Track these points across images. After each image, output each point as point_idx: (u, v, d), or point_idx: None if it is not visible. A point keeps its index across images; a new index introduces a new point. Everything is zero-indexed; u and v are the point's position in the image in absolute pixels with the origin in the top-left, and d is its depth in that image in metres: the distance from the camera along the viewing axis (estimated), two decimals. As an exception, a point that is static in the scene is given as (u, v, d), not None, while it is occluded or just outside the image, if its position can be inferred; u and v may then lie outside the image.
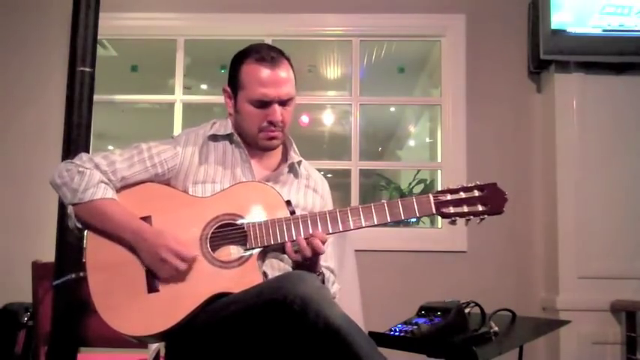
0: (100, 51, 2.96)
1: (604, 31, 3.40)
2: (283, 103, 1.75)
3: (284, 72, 1.74)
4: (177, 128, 3.81)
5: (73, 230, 1.71)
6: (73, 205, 1.67)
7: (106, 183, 1.68)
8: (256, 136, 1.77)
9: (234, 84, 1.78)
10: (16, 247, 3.48)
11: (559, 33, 3.40)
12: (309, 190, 1.87)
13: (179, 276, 1.60)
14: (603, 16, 3.41)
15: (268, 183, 1.75)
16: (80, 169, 1.68)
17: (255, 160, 1.82)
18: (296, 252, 1.62)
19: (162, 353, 1.98)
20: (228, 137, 1.82)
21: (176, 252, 1.58)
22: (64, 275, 2.36)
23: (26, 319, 3.04)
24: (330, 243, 1.86)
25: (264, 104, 1.73)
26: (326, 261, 1.84)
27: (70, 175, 1.67)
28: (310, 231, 1.63)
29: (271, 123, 1.74)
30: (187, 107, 3.92)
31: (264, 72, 1.72)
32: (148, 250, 1.60)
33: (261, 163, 1.83)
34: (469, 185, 1.67)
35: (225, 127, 1.82)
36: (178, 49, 3.89)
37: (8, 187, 3.65)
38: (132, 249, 1.63)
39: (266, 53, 1.74)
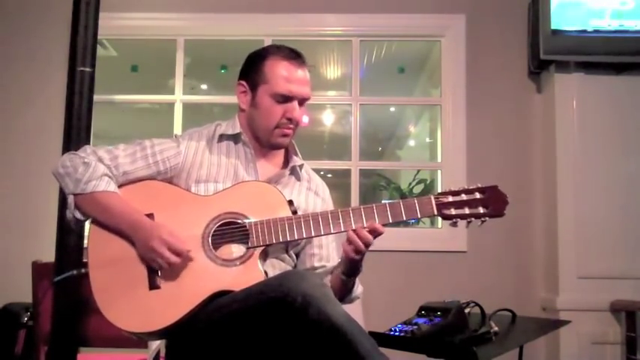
0: (100, 51, 2.95)
1: (604, 31, 3.41)
2: (301, 103, 1.78)
3: (307, 73, 1.80)
4: (178, 128, 3.81)
5: (70, 220, 1.72)
6: (75, 195, 1.67)
7: (109, 177, 1.69)
8: (271, 132, 1.78)
9: (253, 78, 1.78)
10: (16, 247, 3.48)
11: (559, 33, 3.40)
12: (310, 192, 1.88)
13: (180, 273, 1.61)
14: (603, 16, 3.41)
15: (270, 183, 1.76)
16: (85, 160, 1.69)
17: (260, 160, 1.83)
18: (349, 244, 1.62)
19: (163, 353, 1.99)
20: (233, 137, 1.82)
21: (169, 244, 1.58)
22: (65, 272, 2.36)
23: (26, 319, 3.04)
24: (335, 247, 1.87)
25: (286, 99, 1.75)
26: (328, 261, 1.85)
27: (73, 166, 1.68)
28: (312, 231, 1.64)
29: (289, 120, 1.76)
30: (187, 107, 3.92)
31: (292, 69, 1.76)
32: (143, 241, 1.60)
33: (265, 163, 1.84)
34: (471, 187, 1.68)
35: (233, 126, 1.83)
36: (178, 49, 3.89)
37: (8, 187, 3.65)
38: (131, 243, 1.64)
39: (292, 53, 1.79)
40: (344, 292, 1.77)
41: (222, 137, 1.82)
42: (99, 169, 1.68)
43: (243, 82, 1.81)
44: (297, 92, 1.75)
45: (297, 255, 1.85)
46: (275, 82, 1.74)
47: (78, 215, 1.69)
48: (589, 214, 3.39)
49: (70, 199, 1.68)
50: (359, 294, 1.85)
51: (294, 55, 1.78)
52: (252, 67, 1.80)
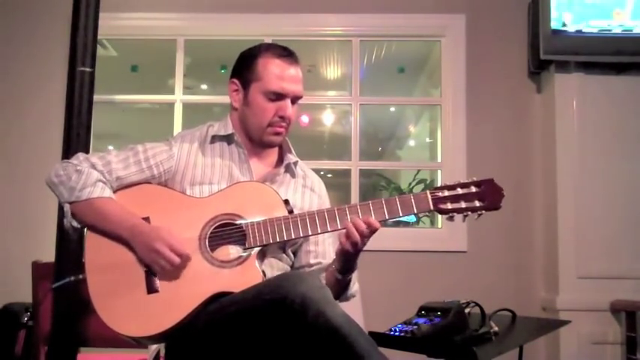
0: (100, 51, 2.95)
1: (604, 31, 3.41)
2: (294, 100, 1.77)
3: (300, 71, 1.79)
4: (177, 128, 3.82)
5: (68, 229, 1.72)
6: (70, 203, 1.67)
7: (103, 182, 1.69)
8: (264, 131, 1.77)
9: (246, 76, 1.78)
10: (16, 247, 3.48)
11: (559, 33, 3.40)
12: (306, 189, 1.87)
13: (178, 276, 1.61)
14: (603, 16, 3.41)
15: (265, 183, 1.76)
16: (78, 167, 1.68)
17: (254, 160, 1.82)
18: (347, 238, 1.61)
19: (162, 353, 1.99)
20: (226, 138, 1.82)
21: (170, 245, 1.58)
22: (64, 277, 2.35)
23: (26, 319, 3.04)
24: (331, 243, 1.86)
25: (279, 97, 1.74)
26: (324, 258, 1.85)
27: (67, 174, 1.68)
28: (309, 230, 1.63)
29: (282, 117, 1.75)
30: (187, 107, 3.93)
31: (285, 67, 1.75)
32: (144, 243, 1.60)
33: (259, 163, 1.83)
34: (466, 181, 1.68)
35: (225, 127, 1.82)
36: (178, 49, 3.89)
37: (8, 187, 3.66)
38: (129, 247, 1.64)
39: (284, 51, 1.78)
40: (339, 290, 1.75)
41: (215, 138, 1.82)
42: (92, 175, 1.68)
43: (236, 81, 1.81)
44: (289, 90, 1.75)
45: (295, 253, 1.85)
46: (268, 80, 1.74)
47: (75, 224, 1.69)
48: (589, 214, 3.39)
49: (67, 208, 1.68)
50: (354, 292, 1.83)
51: (287, 53, 1.78)
52: (245, 65, 1.79)
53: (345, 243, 1.62)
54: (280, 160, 1.87)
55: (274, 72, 1.74)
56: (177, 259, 1.58)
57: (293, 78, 1.76)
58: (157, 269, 1.60)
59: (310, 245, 1.83)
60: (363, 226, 1.60)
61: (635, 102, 3.47)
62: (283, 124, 1.77)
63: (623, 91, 3.48)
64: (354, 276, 1.80)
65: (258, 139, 1.80)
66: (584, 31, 3.39)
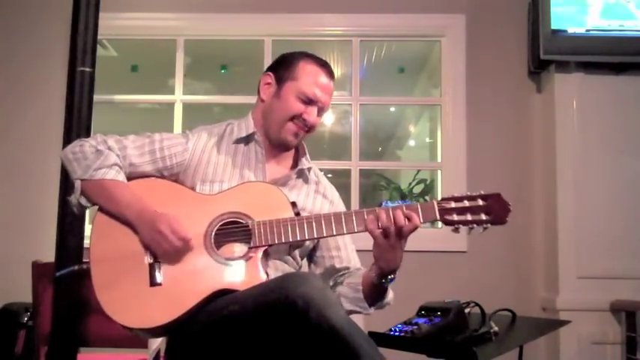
0: (100, 51, 2.96)
1: (604, 31, 3.41)
2: (320, 111, 1.81)
3: (333, 86, 1.86)
4: (177, 128, 3.82)
5: (74, 205, 1.73)
6: (82, 180, 1.68)
7: (119, 167, 1.71)
8: (284, 125, 1.79)
9: (282, 74, 1.81)
10: (16, 247, 3.48)
11: (559, 33, 3.40)
12: (318, 195, 1.88)
13: (181, 270, 1.61)
14: (603, 16, 3.41)
15: (276, 185, 1.76)
16: (98, 147, 1.71)
17: (270, 162, 1.84)
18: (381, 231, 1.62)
19: (163, 353, 1.99)
20: (245, 139, 1.83)
21: (174, 229, 1.59)
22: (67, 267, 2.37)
23: (26, 319, 3.05)
24: (354, 249, 1.89)
25: (308, 102, 1.78)
26: (350, 262, 1.86)
27: (82, 152, 1.70)
28: (315, 232, 1.64)
29: (304, 120, 1.78)
30: (187, 107, 3.92)
31: (321, 75, 1.82)
32: (148, 224, 1.61)
33: (274, 165, 1.85)
34: (473, 194, 1.68)
35: (247, 127, 1.83)
36: (178, 49, 3.89)
37: (8, 187, 3.65)
38: (135, 236, 1.64)
39: (324, 61, 1.86)
40: (375, 296, 1.77)
41: (235, 140, 1.83)
42: (110, 157, 1.70)
43: (271, 74, 1.84)
44: (320, 97, 1.79)
45: (310, 259, 1.87)
46: (303, 82, 1.78)
47: (83, 201, 1.70)
48: (589, 214, 3.39)
49: (77, 185, 1.69)
50: (390, 300, 1.84)
51: (326, 64, 1.85)
52: (284, 64, 1.83)
53: (377, 234, 1.63)
54: (295, 164, 1.88)
55: (311, 76, 1.79)
56: (179, 243, 1.59)
57: (326, 88, 1.81)
58: (158, 252, 1.60)
59: (332, 251, 1.85)
60: (402, 221, 1.60)
61: (635, 102, 3.47)
62: (302, 125, 1.79)
63: (623, 91, 3.48)
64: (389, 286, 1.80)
65: (275, 135, 1.81)
66: (583, 31, 3.40)
